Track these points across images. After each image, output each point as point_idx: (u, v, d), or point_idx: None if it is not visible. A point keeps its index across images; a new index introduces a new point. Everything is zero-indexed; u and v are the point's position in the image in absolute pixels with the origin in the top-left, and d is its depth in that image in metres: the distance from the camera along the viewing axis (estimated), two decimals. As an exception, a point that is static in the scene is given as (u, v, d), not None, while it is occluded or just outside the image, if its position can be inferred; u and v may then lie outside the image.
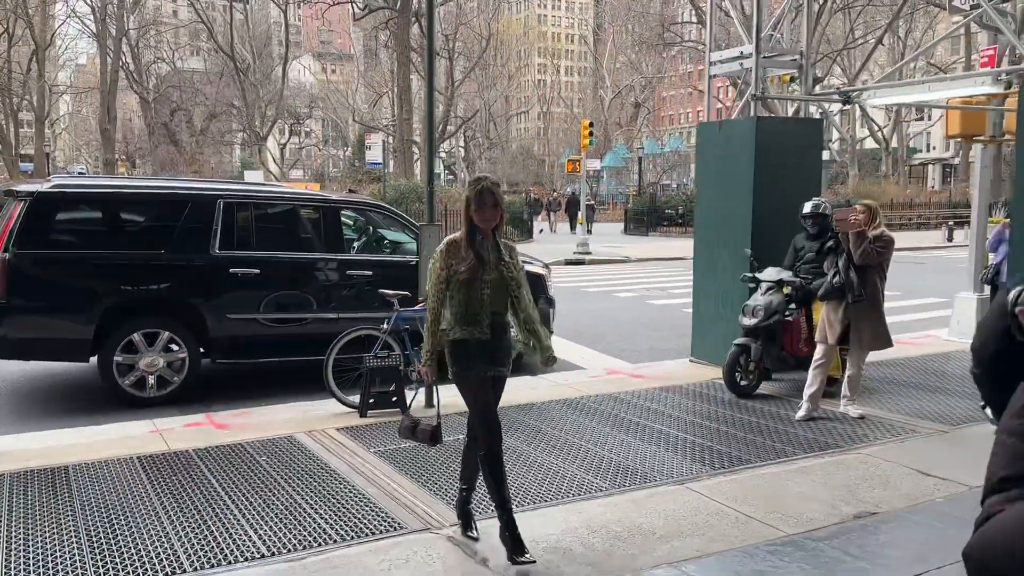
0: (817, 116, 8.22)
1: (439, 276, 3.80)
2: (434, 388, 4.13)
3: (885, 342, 6.20)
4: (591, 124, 23.39)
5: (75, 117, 68.56)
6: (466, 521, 4.03)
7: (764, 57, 7.60)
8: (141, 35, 47.06)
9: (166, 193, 7.27)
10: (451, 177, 68.92)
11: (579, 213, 25.89)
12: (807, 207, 6.98)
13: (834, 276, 6.17)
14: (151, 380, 6.80)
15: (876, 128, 50.53)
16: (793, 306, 7.04)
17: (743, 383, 6.95)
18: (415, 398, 5.48)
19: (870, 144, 54.92)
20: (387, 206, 8.95)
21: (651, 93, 72.03)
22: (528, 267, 8.62)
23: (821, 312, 6.41)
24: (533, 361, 4.04)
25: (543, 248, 22.12)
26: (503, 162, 70.18)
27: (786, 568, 3.65)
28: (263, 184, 11.10)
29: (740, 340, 6.96)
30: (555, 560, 3.74)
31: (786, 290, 6.99)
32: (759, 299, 6.98)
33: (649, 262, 21.81)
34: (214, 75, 51.12)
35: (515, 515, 3.84)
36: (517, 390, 7.00)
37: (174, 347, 6.87)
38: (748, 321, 6.94)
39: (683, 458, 5.24)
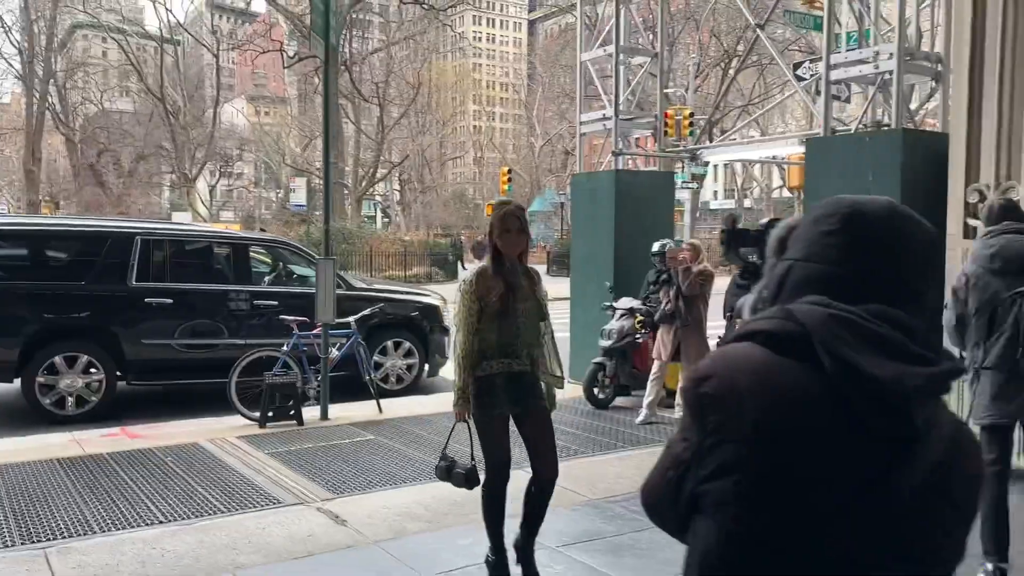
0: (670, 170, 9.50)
1: (470, 309, 3.58)
2: (468, 427, 3.78)
3: (707, 358, 7.37)
4: (509, 171, 24.75)
5: (-4, 157, 67.23)
6: None
7: (622, 119, 8.87)
8: (68, 76, 46.99)
9: (88, 230, 8.08)
10: (387, 220, 69.89)
11: (498, 255, 27.07)
12: (655, 246, 8.15)
13: (666, 304, 7.35)
14: (71, 399, 7.53)
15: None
16: (644, 330, 8.18)
17: (600, 396, 8.04)
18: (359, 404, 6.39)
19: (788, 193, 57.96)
20: (293, 243, 9.90)
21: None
22: (425, 299, 9.71)
23: (658, 333, 7.57)
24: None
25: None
26: (436, 205, 71.31)
27: (577, 518, 4.69)
28: (178, 223, 11.90)
29: (597, 359, 8.08)
30: (402, 519, 4.70)
31: (638, 317, 8.14)
32: (614, 324, 8.12)
33: (564, 300, 23.02)
34: (143, 116, 51.15)
35: (386, 493, 4.76)
36: (411, 405, 8.00)
37: (92, 370, 7.62)
38: (604, 343, 8.07)
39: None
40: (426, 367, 9.36)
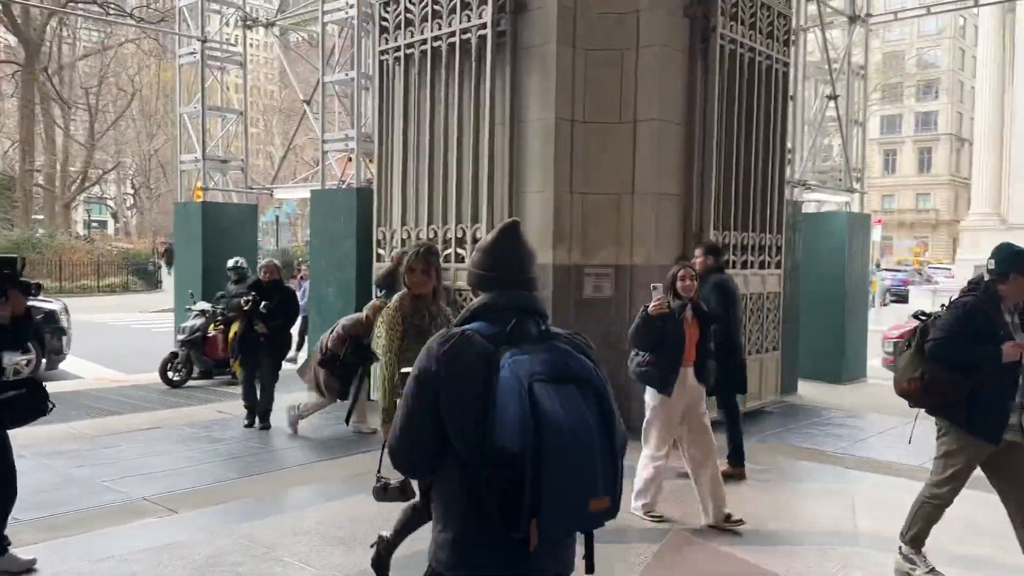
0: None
1: (395, 332, 3.81)
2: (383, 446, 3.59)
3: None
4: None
5: None
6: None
7: (209, 160, 11.35)
8: None
9: None
10: (118, 225, 66.94)
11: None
12: (230, 263, 10.62)
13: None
14: None
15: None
16: (222, 327, 10.61)
17: (175, 378, 10.37)
18: None
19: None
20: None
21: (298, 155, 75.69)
22: (46, 305, 11.49)
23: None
24: None
25: (164, 296, 24.51)
26: (159, 211, 69.19)
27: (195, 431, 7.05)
28: None
29: (173, 349, 10.44)
30: None
31: (217, 316, 10.54)
32: (189, 322, 10.51)
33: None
34: None
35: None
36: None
37: None
38: (180, 336, 10.45)
39: (80, 412, 8.48)
40: (43, 361, 11.16)
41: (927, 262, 47.76)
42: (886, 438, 7.84)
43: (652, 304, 4.84)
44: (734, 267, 8.07)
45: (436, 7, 8.05)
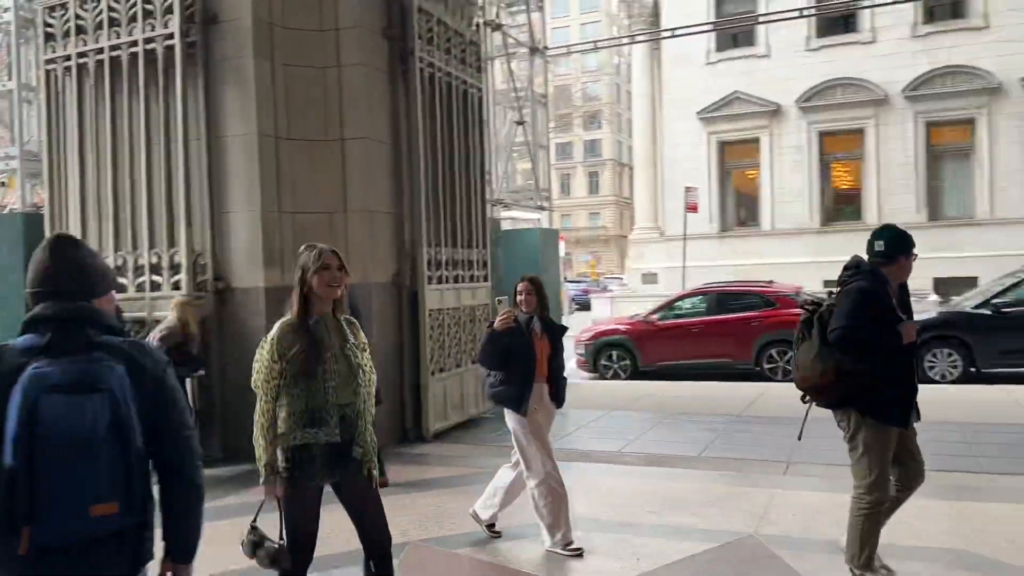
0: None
1: (271, 370, 3.09)
2: (278, 502, 3.16)
3: None
4: None
5: None
6: None
7: None
8: None
9: None
10: None
11: None
12: None
13: None
14: None
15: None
16: None
17: None
18: None
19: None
20: None
21: None
22: None
23: None
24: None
25: None
26: None
27: None
28: None
29: None
30: None
31: None
32: None
33: None
34: None
35: None
36: None
37: None
38: None
39: None
40: None
41: (603, 274, 53.32)
42: (588, 430, 8.57)
43: (498, 319, 4.64)
44: (446, 282, 8.34)
45: (113, 15, 7.35)
